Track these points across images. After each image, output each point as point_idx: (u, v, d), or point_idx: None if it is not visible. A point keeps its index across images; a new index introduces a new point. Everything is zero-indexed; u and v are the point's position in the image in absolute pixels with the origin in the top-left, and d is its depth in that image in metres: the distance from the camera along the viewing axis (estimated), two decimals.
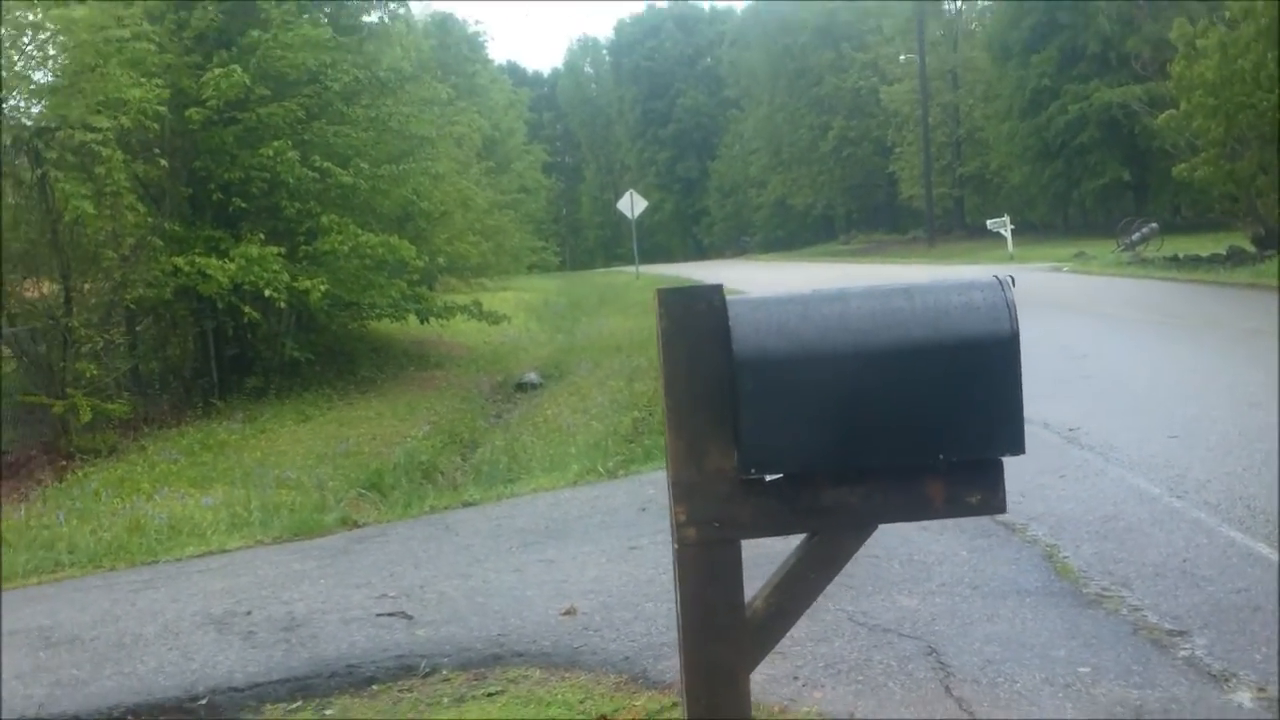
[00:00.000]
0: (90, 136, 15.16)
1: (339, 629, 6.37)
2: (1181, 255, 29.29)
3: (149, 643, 6.42)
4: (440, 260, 23.24)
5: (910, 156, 63.69)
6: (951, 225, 62.88)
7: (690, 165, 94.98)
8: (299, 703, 5.56)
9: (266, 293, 17.24)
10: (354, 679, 5.72)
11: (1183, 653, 4.99)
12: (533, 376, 20.64)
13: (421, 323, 22.99)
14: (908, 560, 6.55)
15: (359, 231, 19.03)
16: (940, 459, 3.25)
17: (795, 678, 5.07)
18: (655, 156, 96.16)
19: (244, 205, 18.71)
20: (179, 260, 16.94)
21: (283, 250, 18.22)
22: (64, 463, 14.06)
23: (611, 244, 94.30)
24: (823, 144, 73.45)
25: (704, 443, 3.29)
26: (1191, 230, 40.46)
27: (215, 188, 18.90)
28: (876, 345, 3.19)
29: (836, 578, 6.23)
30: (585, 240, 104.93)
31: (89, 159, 15.31)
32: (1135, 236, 34.41)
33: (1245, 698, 4.51)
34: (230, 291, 17.32)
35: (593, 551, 7.37)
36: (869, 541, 6.67)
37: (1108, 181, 48.45)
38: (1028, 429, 9.30)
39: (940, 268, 39.30)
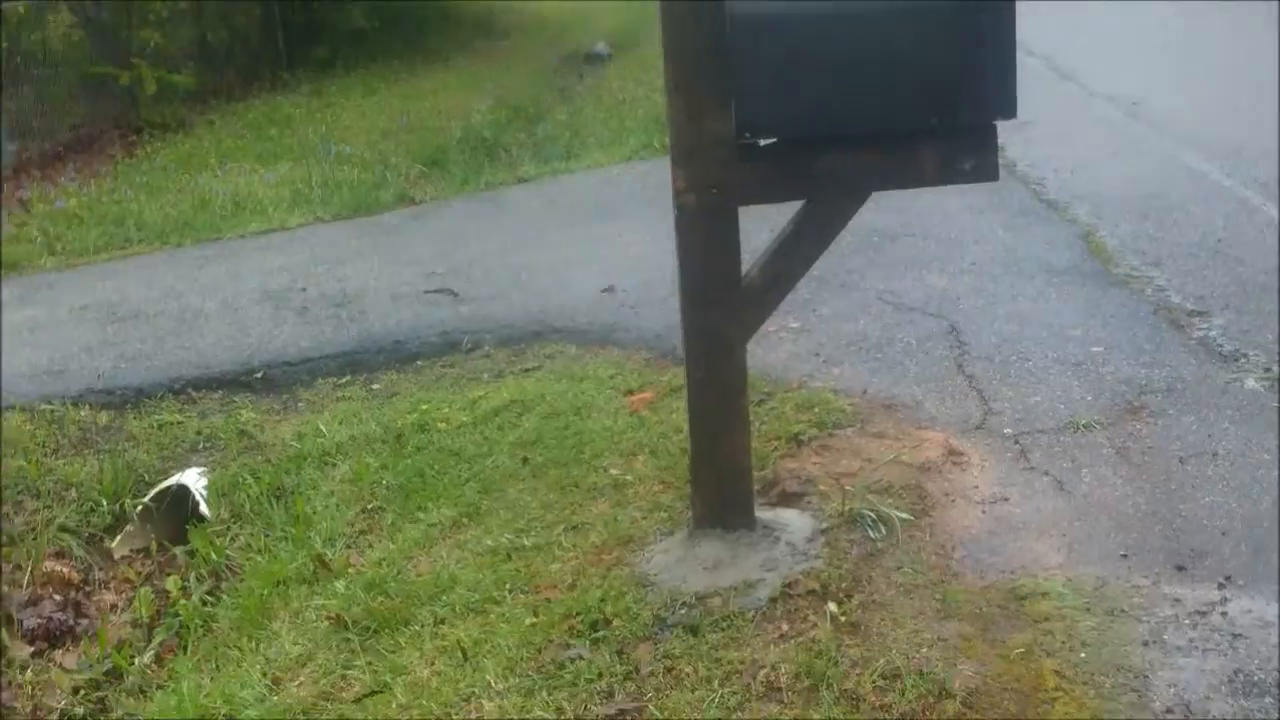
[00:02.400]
0: None
1: (388, 306, 6.61)
2: None
3: (209, 318, 6.72)
4: None
5: None
6: None
7: None
8: (348, 377, 5.86)
9: None
10: (400, 354, 6.00)
11: (1198, 333, 5.05)
12: (602, 48, 20.23)
13: None
14: (944, 239, 6.59)
15: None
16: (933, 123, 3.27)
17: (817, 354, 5.23)
18: None
19: None
20: None
21: None
22: (133, 137, 14.24)
23: None
24: None
25: (703, 107, 3.31)
26: None
27: None
28: (866, 4, 3.18)
29: (872, 257, 6.37)
30: None
31: None
32: None
33: (1249, 378, 4.59)
34: None
35: (639, 228, 7.46)
36: (905, 220, 6.78)
37: None
38: (1090, 103, 9.16)
39: None
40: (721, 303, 3.49)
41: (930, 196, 6.68)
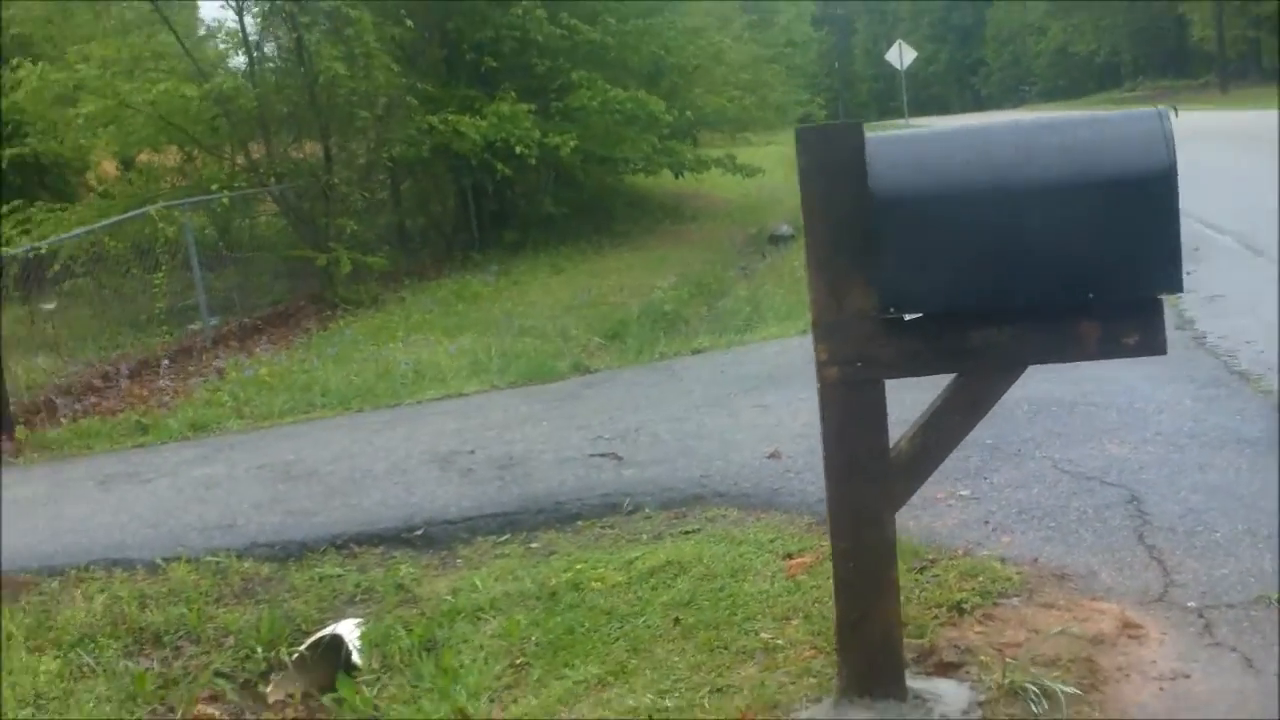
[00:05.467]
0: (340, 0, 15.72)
1: (552, 468, 6.59)
2: None
3: (377, 478, 6.80)
4: (689, 114, 23.06)
5: None
6: (1246, 69, 58.80)
7: (965, 13, 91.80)
8: (507, 535, 5.81)
9: (517, 149, 17.56)
10: (560, 515, 5.94)
11: None
12: (785, 228, 20.51)
13: (676, 177, 23.04)
14: (1126, 408, 6.31)
15: (608, 87, 19.12)
16: (1090, 298, 3.11)
17: (986, 522, 5.00)
18: (929, 6, 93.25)
19: (495, 64, 19.00)
20: (433, 119, 17.42)
21: (534, 108, 18.49)
22: (328, 312, 14.85)
23: (884, 97, 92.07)
24: None
25: (844, 282, 3.25)
26: None
27: (468, 48, 19.27)
28: (1021, 181, 3.06)
29: (1049, 426, 6.13)
30: (858, 94, 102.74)
31: (341, 22, 15.83)
32: None
33: None
34: (483, 149, 17.72)
35: (808, 397, 7.27)
36: (1086, 390, 6.52)
37: None
38: None
39: (1230, 113, 36.99)
40: (868, 475, 3.36)
41: (1111, 368, 6.41)
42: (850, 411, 3.34)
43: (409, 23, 17.47)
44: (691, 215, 23.88)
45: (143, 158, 20.66)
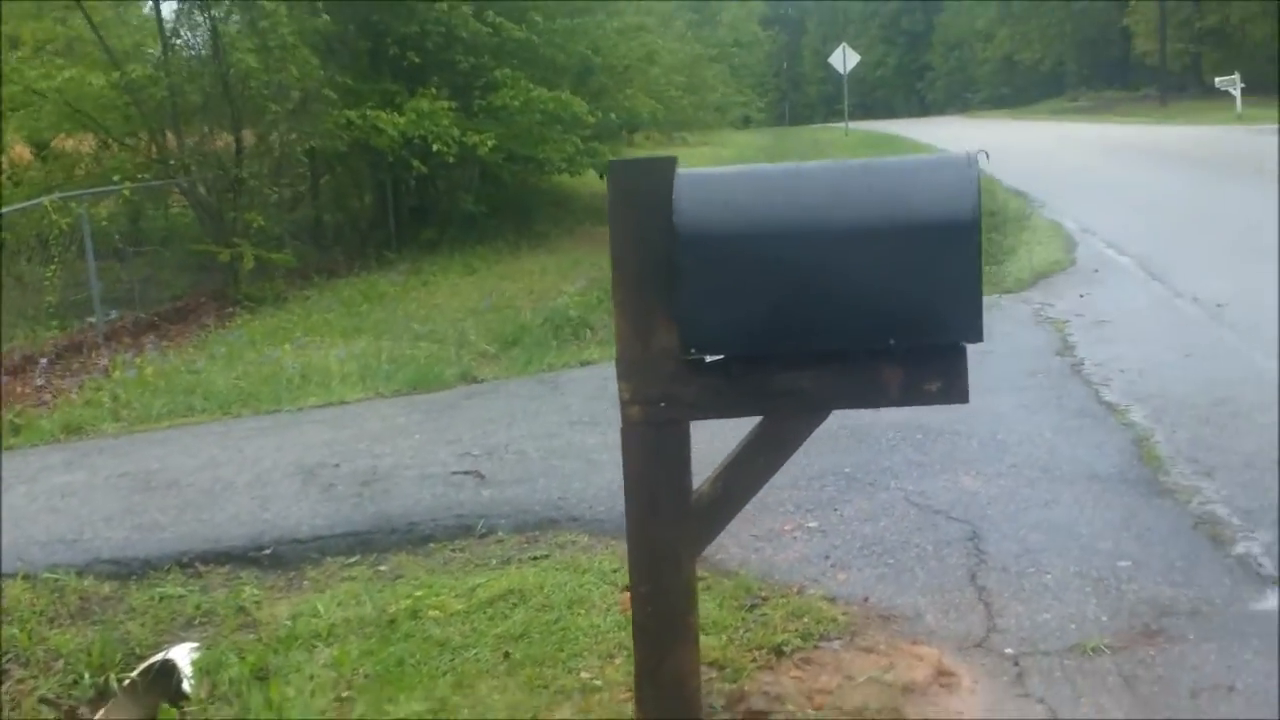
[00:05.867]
0: None
1: (413, 485, 6.49)
2: None
3: (236, 491, 6.65)
4: (614, 116, 22.92)
5: (1146, 10, 60.45)
6: (1186, 83, 59.52)
7: (916, 18, 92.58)
8: (357, 557, 5.70)
9: (435, 147, 17.36)
10: (413, 536, 5.84)
11: (1237, 550, 4.68)
12: None
13: (600, 178, 22.89)
14: (988, 439, 6.30)
15: (531, 87, 18.95)
16: (891, 344, 3.07)
17: (827, 557, 4.97)
18: (879, 9, 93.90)
19: (418, 60, 18.77)
20: (351, 114, 17.18)
21: (455, 105, 18.30)
22: (229, 309, 14.62)
23: (832, 99, 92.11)
24: None
25: (649, 320, 3.18)
26: None
27: (391, 42, 19.02)
28: (828, 224, 3.01)
29: (909, 455, 6.11)
30: (806, 95, 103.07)
31: (256, 14, 15.58)
32: None
33: None
34: (401, 145, 17.51)
35: None
36: (953, 418, 6.50)
37: None
38: (1176, 303, 8.84)
39: (1165, 127, 37.47)
40: (670, 518, 3.29)
41: (985, 395, 6.39)
42: (652, 452, 3.28)
43: (326, 16, 17.16)
44: None
45: (58, 143, 20.25)
